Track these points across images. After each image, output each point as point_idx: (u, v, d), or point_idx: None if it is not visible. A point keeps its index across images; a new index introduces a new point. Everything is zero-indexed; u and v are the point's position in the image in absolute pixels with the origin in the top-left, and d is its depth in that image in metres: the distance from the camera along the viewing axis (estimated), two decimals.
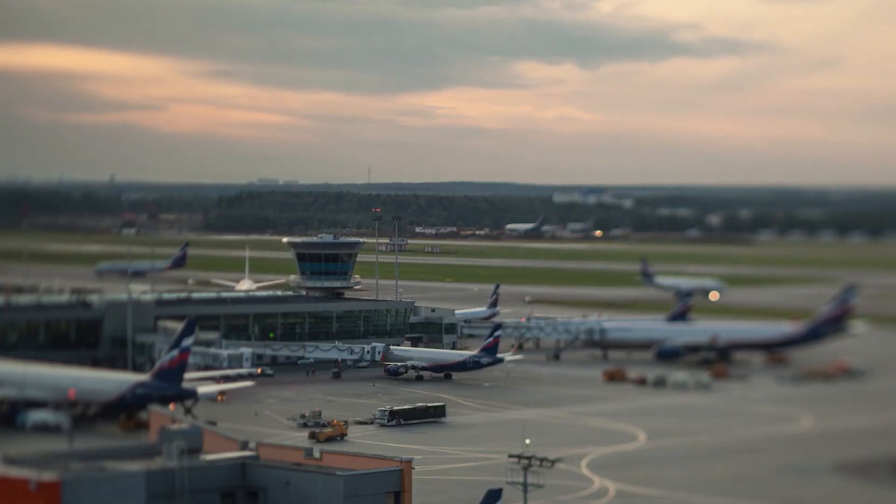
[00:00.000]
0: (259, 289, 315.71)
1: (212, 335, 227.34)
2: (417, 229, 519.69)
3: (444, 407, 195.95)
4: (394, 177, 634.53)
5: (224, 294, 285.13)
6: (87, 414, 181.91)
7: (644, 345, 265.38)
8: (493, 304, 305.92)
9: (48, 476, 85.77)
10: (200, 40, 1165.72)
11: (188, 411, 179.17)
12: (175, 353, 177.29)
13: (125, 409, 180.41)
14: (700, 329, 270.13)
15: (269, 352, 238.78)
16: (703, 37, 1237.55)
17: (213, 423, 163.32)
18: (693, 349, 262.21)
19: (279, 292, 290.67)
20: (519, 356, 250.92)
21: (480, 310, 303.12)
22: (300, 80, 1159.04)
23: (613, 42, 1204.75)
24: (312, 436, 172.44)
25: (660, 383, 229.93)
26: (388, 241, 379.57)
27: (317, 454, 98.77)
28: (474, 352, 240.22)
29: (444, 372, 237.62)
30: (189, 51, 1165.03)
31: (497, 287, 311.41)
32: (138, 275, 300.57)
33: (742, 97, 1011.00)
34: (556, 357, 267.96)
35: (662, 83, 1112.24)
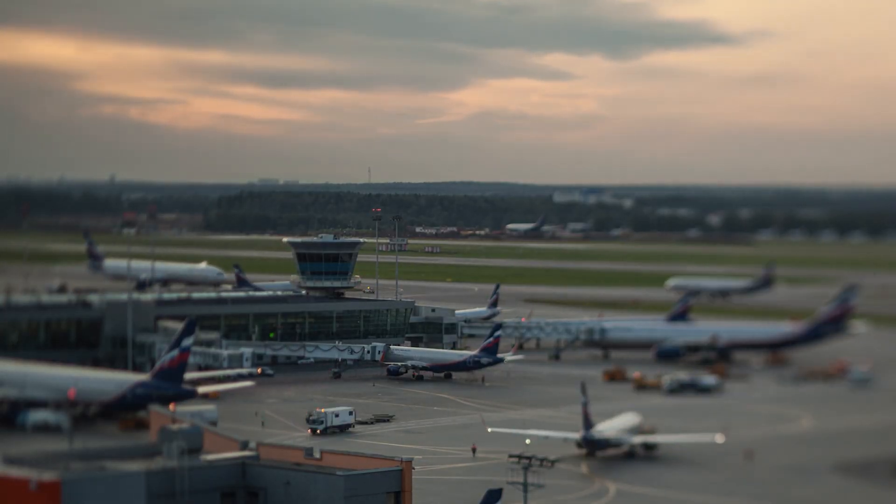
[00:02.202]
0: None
1: (212, 335, 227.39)
2: (417, 229, 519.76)
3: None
4: (395, 176, 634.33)
5: (224, 294, 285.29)
6: (87, 414, 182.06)
7: (644, 345, 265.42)
8: (494, 304, 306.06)
9: (48, 476, 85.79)
10: (210, 31, 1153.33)
11: None
12: (175, 353, 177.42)
13: (125, 409, 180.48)
14: (700, 329, 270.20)
15: (269, 352, 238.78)
16: (743, 29, 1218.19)
17: (213, 424, 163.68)
18: (693, 349, 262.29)
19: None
20: (519, 356, 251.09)
21: (481, 310, 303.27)
22: (314, 74, 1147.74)
23: (645, 32, 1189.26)
24: None
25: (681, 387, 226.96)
26: (388, 241, 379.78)
27: (317, 454, 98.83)
28: (474, 352, 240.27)
29: (445, 372, 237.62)
30: (197, 42, 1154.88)
31: (497, 287, 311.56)
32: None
33: (772, 92, 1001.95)
34: (557, 357, 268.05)
35: (687, 75, 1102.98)
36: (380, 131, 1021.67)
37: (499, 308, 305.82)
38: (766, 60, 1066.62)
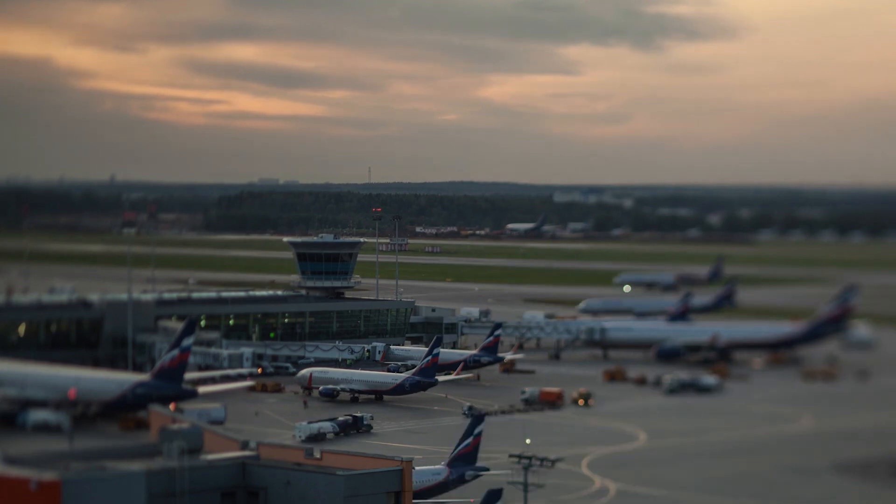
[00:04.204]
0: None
1: (212, 335, 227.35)
2: (418, 229, 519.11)
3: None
4: (395, 176, 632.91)
5: (224, 294, 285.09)
6: (88, 414, 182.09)
7: (644, 345, 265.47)
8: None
9: (48, 476, 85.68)
10: (224, 23, 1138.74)
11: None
12: (175, 352, 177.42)
13: (126, 409, 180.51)
14: (700, 329, 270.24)
15: (269, 351, 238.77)
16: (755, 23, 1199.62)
17: (221, 423, 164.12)
18: (693, 349, 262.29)
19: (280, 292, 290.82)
20: (519, 355, 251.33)
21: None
22: (328, 71, 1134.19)
23: (675, 22, 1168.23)
24: None
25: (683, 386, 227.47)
26: (388, 240, 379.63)
27: (317, 454, 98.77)
28: (474, 351, 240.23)
29: (445, 371, 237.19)
30: (206, 35, 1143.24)
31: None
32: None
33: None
34: (557, 356, 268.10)
35: (708, 69, 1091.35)
36: (393, 128, 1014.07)
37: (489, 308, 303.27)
38: (781, 55, 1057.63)
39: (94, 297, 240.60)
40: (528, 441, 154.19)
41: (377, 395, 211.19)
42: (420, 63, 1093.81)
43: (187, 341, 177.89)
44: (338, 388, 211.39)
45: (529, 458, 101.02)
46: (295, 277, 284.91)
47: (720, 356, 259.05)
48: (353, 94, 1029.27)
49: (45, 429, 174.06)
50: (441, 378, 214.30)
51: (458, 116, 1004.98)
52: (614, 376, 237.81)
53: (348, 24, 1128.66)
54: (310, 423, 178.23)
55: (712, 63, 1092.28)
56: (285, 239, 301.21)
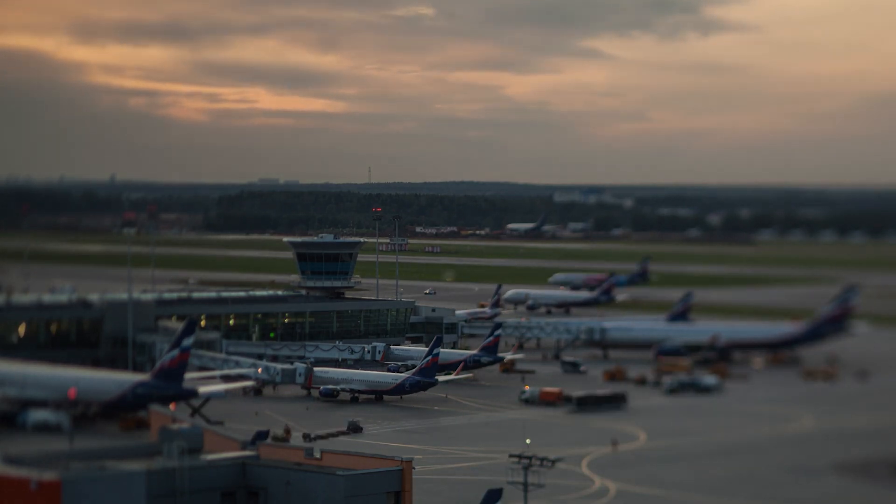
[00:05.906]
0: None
1: (212, 335, 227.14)
2: (418, 229, 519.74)
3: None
4: (395, 176, 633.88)
5: (224, 294, 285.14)
6: (88, 414, 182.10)
7: (644, 344, 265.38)
8: (495, 305, 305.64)
9: (49, 476, 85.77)
10: (235, 17, 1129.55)
11: (196, 411, 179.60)
12: (175, 352, 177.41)
13: (126, 409, 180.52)
14: (701, 329, 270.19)
15: (269, 352, 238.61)
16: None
17: (220, 423, 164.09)
18: (694, 349, 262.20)
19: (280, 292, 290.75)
20: (519, 355, 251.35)
21: (482, 310, 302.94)
22: (336, 69, 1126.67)
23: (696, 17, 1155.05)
24: None
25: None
26: (388, 240, 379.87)
27: (317, 454, 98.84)
28: (474, 351, 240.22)
29: (445, 371, 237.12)
30: (219, 29, 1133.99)
31: (499, 287, 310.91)
32: None
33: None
34: (557, 357, 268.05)
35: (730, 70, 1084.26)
36: (404, 125, 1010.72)
37: (500, 309, 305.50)
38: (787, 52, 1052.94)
39: (94, 297, 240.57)
40: (528, 441, 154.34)
41: (377, 395, 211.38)
42: (436, 56, 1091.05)
43: (187, 341, 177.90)
44: (338, 388, 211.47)
45: (529, 458, 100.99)
46: (295, 277, 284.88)
47: (720, 356, 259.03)
48: (367, 91, 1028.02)
49: (45, 429, 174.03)
50: (441, 378, 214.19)
51: (471, 114, 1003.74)
52: (614, 376, 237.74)
53: (363, 19, 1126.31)
54: None
55: (727, 57, 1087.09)
56: (285, 239, 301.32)
